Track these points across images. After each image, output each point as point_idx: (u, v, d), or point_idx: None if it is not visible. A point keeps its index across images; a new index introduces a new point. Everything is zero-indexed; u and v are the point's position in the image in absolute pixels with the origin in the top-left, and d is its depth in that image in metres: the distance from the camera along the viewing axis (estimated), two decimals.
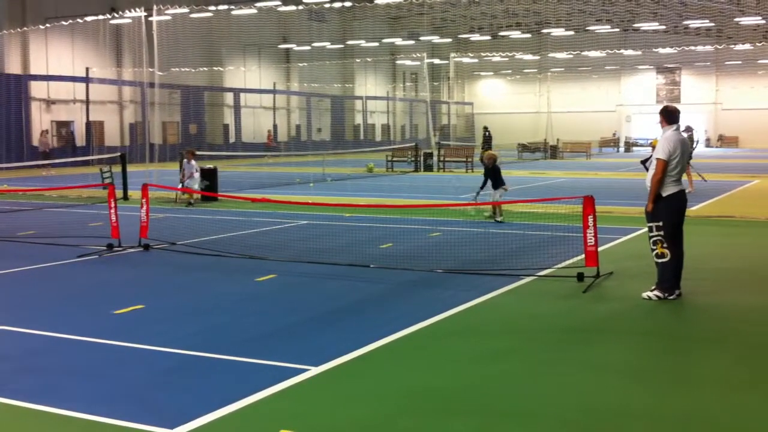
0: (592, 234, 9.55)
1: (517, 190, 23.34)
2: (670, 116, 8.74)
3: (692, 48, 58.70)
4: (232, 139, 50.99)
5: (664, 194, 8.57)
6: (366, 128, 64.60)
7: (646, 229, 9.04)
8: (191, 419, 5.18)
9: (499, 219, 15.53)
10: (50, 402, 5.53)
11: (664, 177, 8.53)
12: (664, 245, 8.58)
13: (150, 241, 12.49)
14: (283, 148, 50.74)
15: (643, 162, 9.31)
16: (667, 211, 8.60)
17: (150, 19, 27.16)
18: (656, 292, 8.68)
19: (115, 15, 35.73)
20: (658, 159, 8.52)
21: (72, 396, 5.70)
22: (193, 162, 19.81)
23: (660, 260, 8.64)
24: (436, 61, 63.07)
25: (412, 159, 34.99)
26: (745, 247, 12.86)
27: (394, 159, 35.18)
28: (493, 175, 15.97)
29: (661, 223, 8.59)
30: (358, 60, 58.94)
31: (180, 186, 19.32)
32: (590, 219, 9.56)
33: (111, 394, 5.74)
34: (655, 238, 8.63)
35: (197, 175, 19.80)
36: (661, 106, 9.07)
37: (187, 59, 43.98)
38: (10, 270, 10.78)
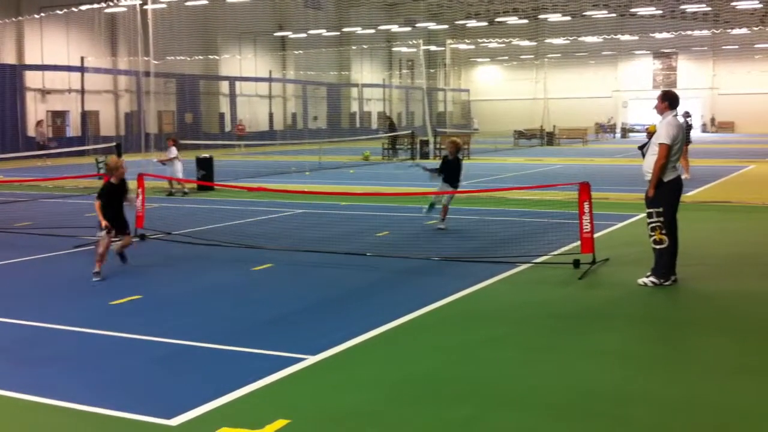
0: (588, 220, 9.56)
1: (513, 176, 23.34)
2: (673, 101, 8.73)
3: (689, 33, 58.61)
4: (228, 128, 50.89)
5: (665, 180, 8.59)
6: (362, 116, 64.49)
7: (641, 215, 9.07)
8: (189, 409, 5.19)
9: (441, 226, 12.84)
10: (48, 393, 5.54)
11: (667, 162, 8.53)
12: (663, 231, 8.60)
13: (146, 231, 12.49)
14: (279, 137, 50.68)
15: (641, 148, 9.30)
16: (667, 197, 8.62)
17: (145, 7, 27.05)
18: (652, 279, 8.70)
19: (110, 4, 35.61)
20: (661, 144, 8.49)
21: (69, 387, 5.71)
22: (173, 149, 19.32)
23: (658, 246, 8.66)
24: (433, 47, 62.88)
25: (409, 147, 34.91)
26: (741, 232, 12.88)
27: (391, 147, 35.08)
28: (455, 167, 13.10)
29: (661, 209, 8.60)
30: (354, 47, 58.75)
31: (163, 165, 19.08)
32: (586, 205, 9.57)
33: (108, 385, 5.76)
34: (654, 224, 8.65)
35: (179, 165, 19.35)
36: (657, 92, 9.06)
37: (182, 48, 43.85)
38: (7, 261, 10.78)
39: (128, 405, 5.29)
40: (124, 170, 9.97)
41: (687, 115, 23.33)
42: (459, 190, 13.30)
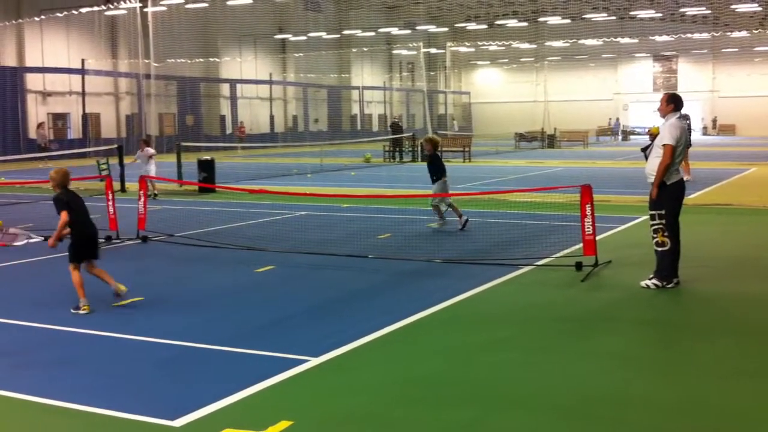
0: (590, 223, 9.55)
1: (514, 179, 23.34)
2: (678, 103, 8.76)
3: (689, 35, 58.61)
4: (228, 131, 50.92)
5: (668, 182, 8.59)
6: (363, 118, 64.50)
7: (643, 217, 9.06)
8: (191, 410, 5.19)
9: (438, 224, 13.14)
10: (51, 395, 5.54)
11: (671, 164, 8.54)
12: (665, 234, 8.61)
13: (148, 233, 12.49)
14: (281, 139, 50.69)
15: (644, 150, 9.30)
16: (670, 200, 8.63)
17: (145, 9, 27.05)
18: (654, 281, 8.70)
19: (110, 6, 35.60)
20: (665, 145, 8.50)
21: (72, 388, 5.71)
22: (147, 149, 19.23)
23: (660, 249, 8.66)
24: (433, 50, 63.00)
25: (410, 149, 34.90)
26: (743, 235, 12.88)
27: (393, 149, 35.03)
28: (433, 166, 13.80)
29: (663, 212, 8.61)
30: (354, 50, 58.78)
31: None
32: (588, 208, 9.57)
33: (111, 386, 5.75)
34: (656, 227, 8.65)
35: (152, 166, 19.05)
36: (658, 94, 9.08)
37: (182, 50, 43.86)
38: (9, 263, 10.78)
39: (131, 406, 5.29)
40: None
41: (686, 117, 23.34)
42: (444, 193, 13.42)
